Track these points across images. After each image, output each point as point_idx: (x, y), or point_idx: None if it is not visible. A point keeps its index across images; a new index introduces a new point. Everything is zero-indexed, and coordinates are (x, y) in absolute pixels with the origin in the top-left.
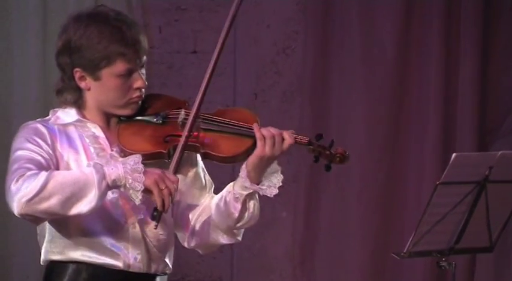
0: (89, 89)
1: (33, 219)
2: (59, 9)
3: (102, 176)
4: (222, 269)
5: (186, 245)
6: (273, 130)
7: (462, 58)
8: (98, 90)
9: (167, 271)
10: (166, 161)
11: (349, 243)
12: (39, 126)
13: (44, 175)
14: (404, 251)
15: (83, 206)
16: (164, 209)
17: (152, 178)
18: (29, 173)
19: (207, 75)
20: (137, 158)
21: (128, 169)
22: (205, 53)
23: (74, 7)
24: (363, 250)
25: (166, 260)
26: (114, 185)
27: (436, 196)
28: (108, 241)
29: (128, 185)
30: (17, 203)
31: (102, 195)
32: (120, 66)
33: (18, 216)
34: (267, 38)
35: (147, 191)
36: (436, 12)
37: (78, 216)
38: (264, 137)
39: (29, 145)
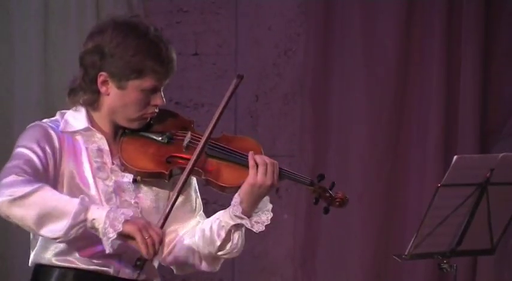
0: (108, 95)
1: (7, 218)
2: (60, 11)
3: (84, 210)
4: (223, 272)
5: (160, 260)
6: (267, 159)
7: (463, 59)
8: (117, 98)
9: (154, 279)
10: (166, 181)
11: (351, 245)
12: (50, 129)
13: (35, 184)
14: (406, 253)
15: (52, 231)
16: (149, 257)
17: (135, 225)
18: (24, 177)
19: (223, 104)
20: (128, 211)
21: (110, 215)
22: (206, 55)
23: (75, 9)
24: (364, 252)
25: (155, 267)
26: (92, 226)
27: (437, 198)
28: (103, 253)
29: (102, 230)
30: (0, 199)
31: (73, 227)
32: (148, 82)
33: None
34: (269, 40)
35: (129, 237)
36: (437, 14)
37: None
38: (256, 165)
39: (34, 146)
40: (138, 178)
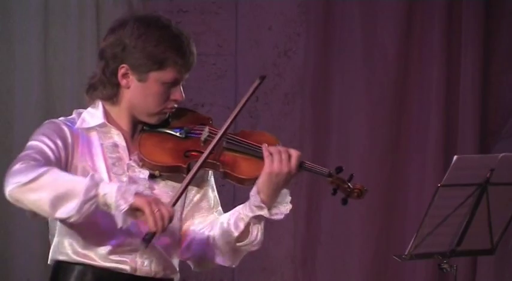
0: (128, 88)
1: (23, 206)
2: (60, 11)
3: (94, 185)
4: (224, 272)
5: (179, 256)
6: (281, 147)
7: (463, 59)
8: (137, 91)
9: (174, 277)
10: (184, 175)
11: (351, 245)
12: (63, 126)
13: (44, 167)
14: (406, 253)
15: (65, 211)
16: (157, 230)
17: (145, 199)
18: (33, 162)
19: (245, 99)
20: (138, 187)
21: (121, 189)
22: (206, 55)
23: (75, 9)
24: (364, 252)
25: (175, 264)
26: (104, 201)
27: (437, 198)
28: (118, 248)
29: (114, 204)
30: (10, 185)
31: (86, 203)
32: (169, 74)
33: (8, 198)
34: (269, 40)
35: (138, 211)
36: (437, 14)
37: (90, 221)
38: (271, 154)
39: (46, 140)
40: (157, 172)
